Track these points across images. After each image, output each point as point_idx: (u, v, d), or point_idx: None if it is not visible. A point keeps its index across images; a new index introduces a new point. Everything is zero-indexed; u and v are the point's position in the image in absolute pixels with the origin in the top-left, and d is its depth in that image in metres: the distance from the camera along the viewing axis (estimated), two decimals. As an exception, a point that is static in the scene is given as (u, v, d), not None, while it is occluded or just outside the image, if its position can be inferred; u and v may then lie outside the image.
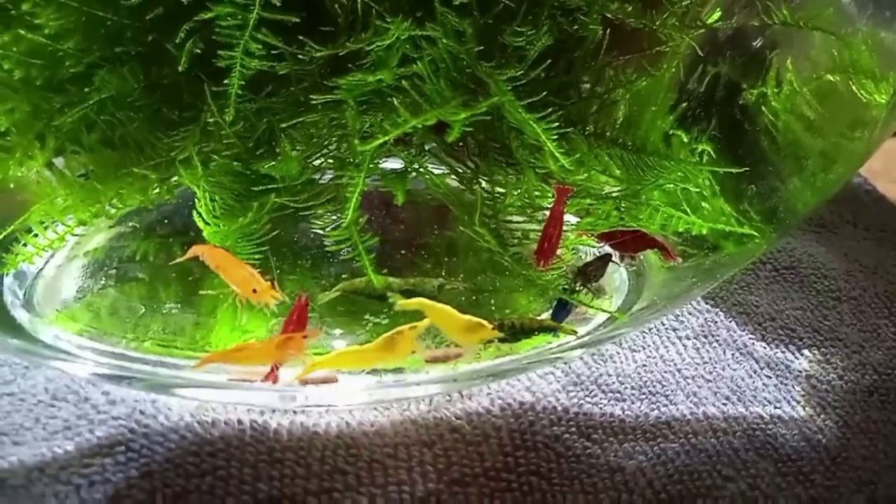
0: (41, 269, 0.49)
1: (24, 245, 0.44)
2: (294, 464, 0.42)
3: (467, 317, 0.42)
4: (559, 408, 0.48)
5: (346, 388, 0.45)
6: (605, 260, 0.48)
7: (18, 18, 0.38)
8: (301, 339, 0.40)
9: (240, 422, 0.44)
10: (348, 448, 0.43)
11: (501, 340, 0.45)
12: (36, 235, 0.44)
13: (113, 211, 0.45)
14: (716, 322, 0.58)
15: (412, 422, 0.45)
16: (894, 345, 0.58)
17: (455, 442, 0.44)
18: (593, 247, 0.50)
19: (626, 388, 0.51)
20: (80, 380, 0.46)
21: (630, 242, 0.48)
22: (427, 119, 0.39)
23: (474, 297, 0.48)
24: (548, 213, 0.44)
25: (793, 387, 0.53)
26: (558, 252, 0.45)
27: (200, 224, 0.43)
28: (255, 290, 0.40)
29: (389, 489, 0.41)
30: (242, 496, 0.40)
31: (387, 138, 0.39)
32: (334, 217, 0.43)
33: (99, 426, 0.43)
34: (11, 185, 0.43)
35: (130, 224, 0.51)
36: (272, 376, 0.42)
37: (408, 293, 0.43)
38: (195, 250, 0.42)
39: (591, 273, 0.48)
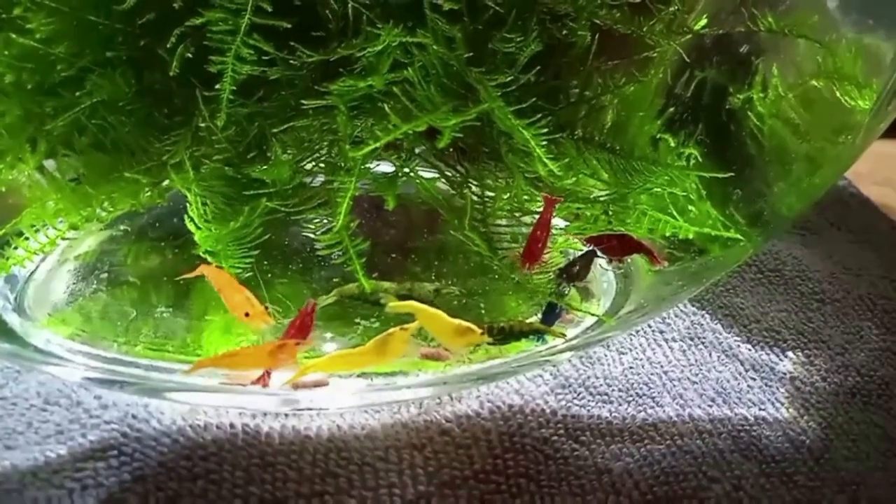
0: (32, 273, 0.49)
1: (16, 248, 0.44)
2: (286, 467, 0.42)
3: (457, 321, 0.42)
4: (548, 410, 0.48)
5: (337, 391, 0.45)
6: (589, 258, 0.49)
7: (10, 22, 0.38)
8: (294, 346, 0.40)
9: (232, 425, 0.44)
10: (339, 451, 0.44)
11: (490, 343, 0.45)
12: (27, 239, 0.44)
13: (104, 214, 0.45)
14: (702, 324, 0.59)
15: (402, 425, 0.46)
16: (877, 347, 0.59)
17: (445, 445, 0.45)
18: (580, 250, 0.50)
19: (613, 390, 0.51)
20: (73, 384, 0.46)
21: (617, 246, 0.49)
22: (418, 125, 0.39)
23: (464, 301, 0.48)
24: (536, 217, 0.45)
25: (777, 388, 0.53)
26: (546, 256, 0.46)
27: (192, 228, 0.43)
28: (247, 314, 0.41)
29: (380, 492, 0.42)
30: (234, 499, 0.40)
31: (378, 144, 0.39)
32: (325, 221, 0.43)
33: (91, 430, 0.43)
34: (3, 189, 0.43)
35: (122, 227, 0.51)
36: (263, 380, 0.43)
37: (403, 298, 0.44)
38: (201, 270, 0.42)
39: (575, 272, 0.48)
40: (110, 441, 0.43)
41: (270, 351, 0.40)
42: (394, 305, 0.43)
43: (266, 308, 0.42)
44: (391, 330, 0.41)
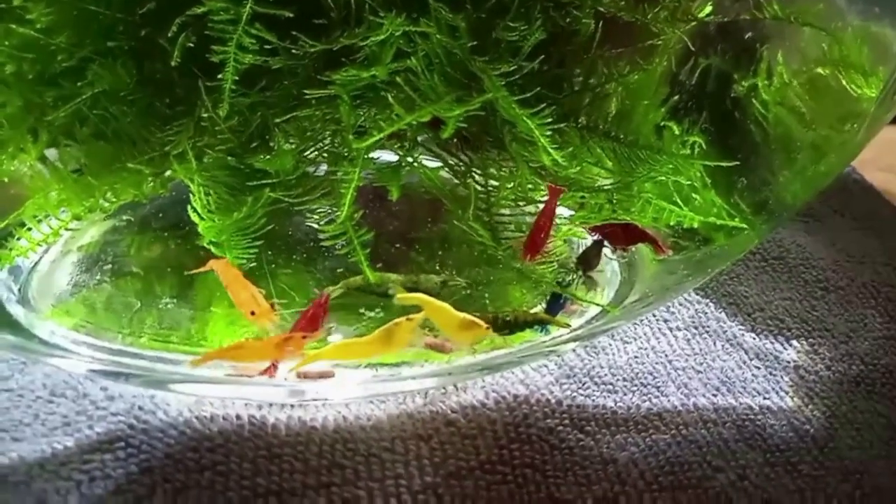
0: (36, 264, 0.49)
1: (19, 239, 0.44)
2: (292, 458, 0.42)
3: (463, 315, 0.42)
4: (553, 400, 0.48)
5: (343, 382, 0.45)
6: (599, 245, 0.49)
7: (10, 12, 0.38)
8: (300, 338, 0.40)
9: (238, 417, 0.44)
10: (346, 442, 0.44)
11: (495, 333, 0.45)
12: (30, 230, 0.44)
13: (107, 205, 0.45)
14: (706, 313, 0.59)
15: (408, 415, 0.46)
16: (881, 335, 0.59)
17: (451, 435, 0.45)
18: (583, 238, 0.50)
19: (618, 379, 0.51)
20: (79, 375, 0.46)
21: (621, 235, 0.49)
22: (421, 115, 0.39)
23: (468, 291, 0.48)
24: (540, 206, 0.45)
25: (781, 377, 0.54)
26: (550, 246, 0.46)
27: (195, 218, 0.43)
28: (253, 313, 0.41)
29: (387, 483, 0.42)
30: (242, 491, 0.40)
31: (381, 135, 0.39)
32: (329, 211, 0.43)
33: (98, 422, 0.43)
34: (5, 180, 0.43)
35: (125, 218, 0.51)
36: (270, 371, 0.43)
37: (410, 290, 0.44)
38: (211, 265, 0.42)
39: (591, 260, 0.49)
40: (117, 433, 0.43)
41: (277, 343, 0.41)
42: (402, 297, 0.43)
43: (272, 305, 0.42)
44: (397, 319, 0.41)
